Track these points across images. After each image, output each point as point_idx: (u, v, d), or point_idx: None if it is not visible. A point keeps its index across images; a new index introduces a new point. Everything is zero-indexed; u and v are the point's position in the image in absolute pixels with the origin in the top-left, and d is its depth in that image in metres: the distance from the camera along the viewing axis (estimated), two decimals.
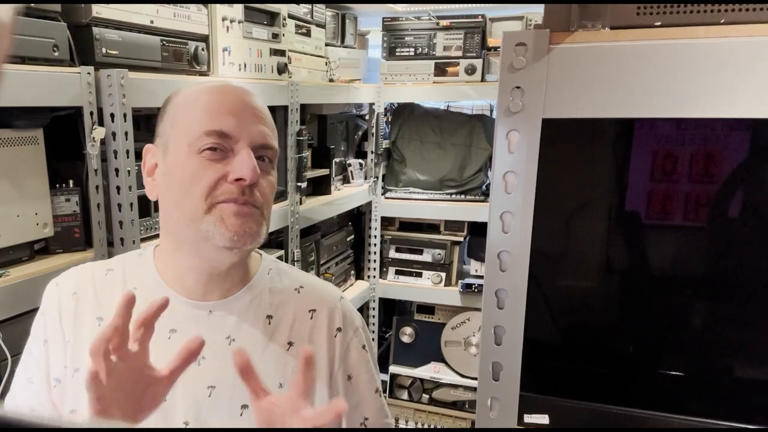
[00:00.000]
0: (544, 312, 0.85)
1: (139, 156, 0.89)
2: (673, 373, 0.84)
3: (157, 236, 1.33)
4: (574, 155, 0.83)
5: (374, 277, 2.90)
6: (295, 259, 2.11)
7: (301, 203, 2.15)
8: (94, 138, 1.26)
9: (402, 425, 2.79)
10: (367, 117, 2.87)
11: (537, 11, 2.50)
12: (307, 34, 2.27)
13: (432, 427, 2.75)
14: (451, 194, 2.74)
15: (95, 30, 1.30)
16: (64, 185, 1.30)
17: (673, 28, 0.72)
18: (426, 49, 2.70)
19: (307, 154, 2.16)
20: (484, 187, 2.72)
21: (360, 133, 2.89)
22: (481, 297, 0.91)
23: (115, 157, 1.31)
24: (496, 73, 1.43)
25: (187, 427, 0.81)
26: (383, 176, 2.90)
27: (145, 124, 1.47)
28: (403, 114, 2.89)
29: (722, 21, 0.71)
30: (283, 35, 2.03)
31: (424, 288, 2.81)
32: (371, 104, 2.79)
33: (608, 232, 0.84)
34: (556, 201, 0.82)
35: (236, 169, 0.79)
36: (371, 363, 0.95)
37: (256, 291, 0.89)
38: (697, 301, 0.83)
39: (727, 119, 0.74)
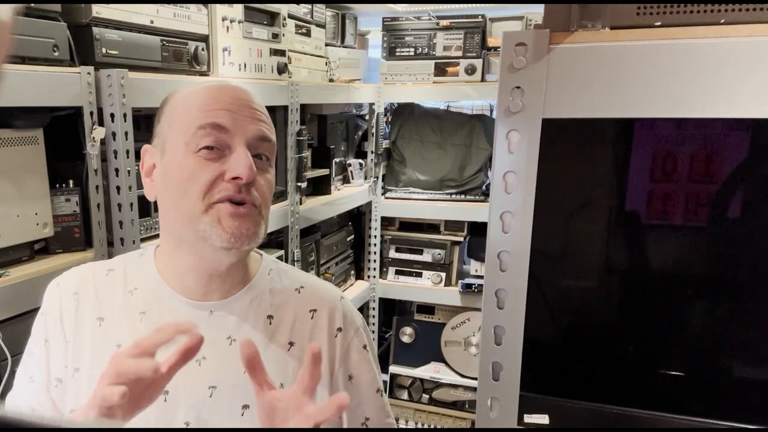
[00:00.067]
0: (544, 312, 0.85)
1: (139, 156, 0.89)
2: (673, 373, 0.83)
3: (157, 236, 1.33)
4: (574, 155, 0.83)
5: (374, 277, 2.90)
6: (295, 259, 2.11)
7: (301, 203, 2.15)
8: (94, 138, 1.26)
9: (402, 425, 2.78)
10: (367, 117, 2.87)
11: (537, 11, 2.50)
12: (307, 34, 2.27)
13: (432, 427, 2.75)
14: (451, 194, 2.74)
15: (95, 30, 1.30)
16: (64, 185, 1.30)
17: (673, 28, 0.72)
18: (426, 49, 2.69)
19: (307, 154, 2.16)
20: (484, 187, 2.72)
21: (360, 133, 2.89)
22: (481, 297, 0.91)
23: (115, 157, 1.31)
24: (496, 73, 1.43)
25: (188, 427, 0.81)
26: (383, 176, 2.90)
27: (145, 124, 1.47)
28: (403, 114, 2.89)
29: (722, 21, 0.71)
30: (283, 35, 2.03)
31: (424, 288, 2.81)
32: (371, 104, 2.79)
33: (608, 232, 0.84)
34: (556, 201, 0.82)
35: (233, 167, 0.79)
36: (372, 363, 0.94)
37: (256, 291, 0.89)
38: (697, 301, 0.83)
39: (727, 119, 0.74)
